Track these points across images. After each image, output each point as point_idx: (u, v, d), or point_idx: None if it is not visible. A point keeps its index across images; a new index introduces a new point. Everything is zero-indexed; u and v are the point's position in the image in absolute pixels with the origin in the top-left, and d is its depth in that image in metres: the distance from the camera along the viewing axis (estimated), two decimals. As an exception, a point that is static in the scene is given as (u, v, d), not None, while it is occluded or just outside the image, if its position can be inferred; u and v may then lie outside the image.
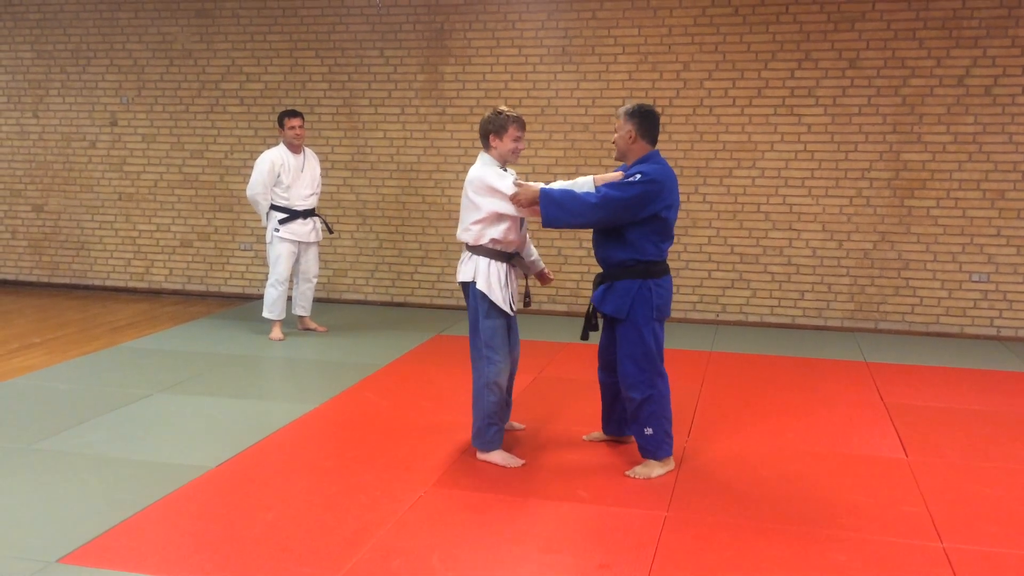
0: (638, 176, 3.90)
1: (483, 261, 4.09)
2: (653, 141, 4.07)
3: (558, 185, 4.00)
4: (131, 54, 8.26)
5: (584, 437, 4.53)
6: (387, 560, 3.23)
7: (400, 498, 3.77)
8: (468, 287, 4.16)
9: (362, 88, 7.81)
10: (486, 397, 4.13)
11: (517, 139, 4.10)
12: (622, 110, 4.05)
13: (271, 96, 7.98)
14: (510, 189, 3.98)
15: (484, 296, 4.08)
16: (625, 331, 4.04)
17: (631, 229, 3.96)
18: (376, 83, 7.77)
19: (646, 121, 4.03)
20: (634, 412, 4.06)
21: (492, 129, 4.08)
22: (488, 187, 4.01)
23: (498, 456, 4.17)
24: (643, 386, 4.02)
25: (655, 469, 4.05)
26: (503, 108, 4.14)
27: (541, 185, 3.97)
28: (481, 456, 4.20)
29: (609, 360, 4.24)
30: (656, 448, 4.05)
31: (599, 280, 4.15)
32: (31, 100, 8.57)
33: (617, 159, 4.19)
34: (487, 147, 4.13)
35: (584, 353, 5.57)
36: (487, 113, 4.13)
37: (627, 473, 4.04)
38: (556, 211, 3.87)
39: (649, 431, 4.03)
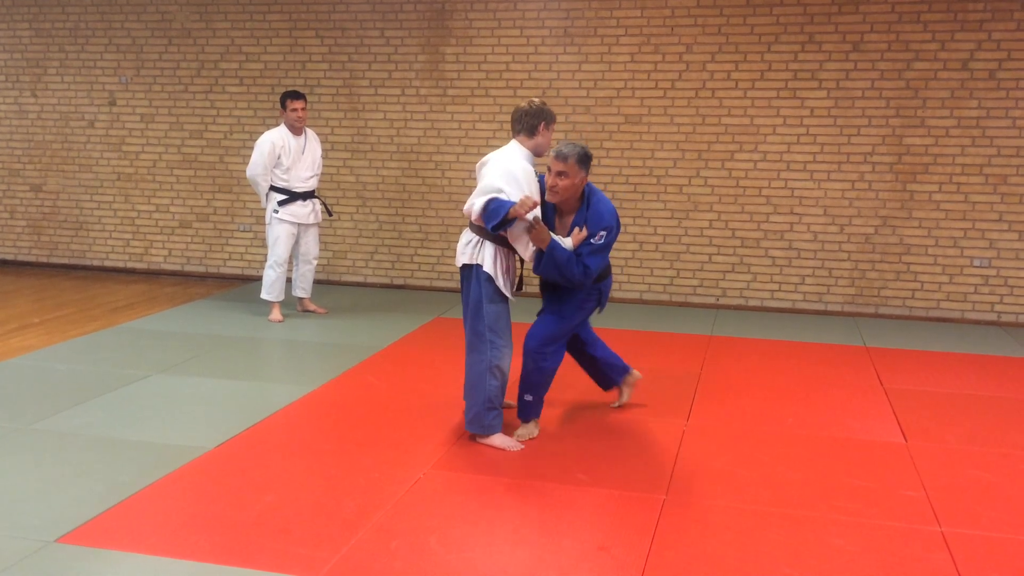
0: (603, 235, 4.03)
1: (489, 246, 4.09)
2: None
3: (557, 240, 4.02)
4: (129, 33, 8.20)
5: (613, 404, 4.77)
6: (386, 542, 3.23)
7: (399, 480, 3.77)
8: (470, 270, 4.15)
9: (362, 69, 7.76)
10: (488, 381, 4.12)
11: (553, 131, 4.26)
12: (568, 153, 3.97)
13: (270, 76, 7.94)
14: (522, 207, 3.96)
15: (490, 279, 4.09)
16: (552, 316, 4.25)
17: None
18: (376, 64, 7.72)
19: (590, 162, 4.08)
20: (523, 376, 4.25)
21: (545, 118, 4.15)
22: (519, 188, 3.98)
23: (498, 439, 4.17)
24: (538, 356, 4.20)
25: (534, 429, 4.31)
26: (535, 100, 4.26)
27: (552, 237, 3.99)
28: (480, 439, 4.20)
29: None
30: (536, 412, 4.33)
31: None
32: (29, 79, 8.52)
33: (554, 200, 4.08)
34: (530, 135, 4.14)
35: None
36: (527, 104, 4.15)
37: (515, 435, 4.26)
38: (552, 270, 4.01)
39: (529, 397, 4.27)
